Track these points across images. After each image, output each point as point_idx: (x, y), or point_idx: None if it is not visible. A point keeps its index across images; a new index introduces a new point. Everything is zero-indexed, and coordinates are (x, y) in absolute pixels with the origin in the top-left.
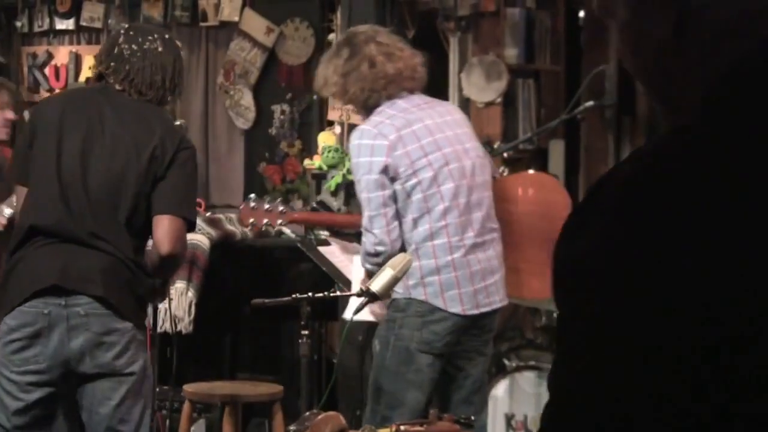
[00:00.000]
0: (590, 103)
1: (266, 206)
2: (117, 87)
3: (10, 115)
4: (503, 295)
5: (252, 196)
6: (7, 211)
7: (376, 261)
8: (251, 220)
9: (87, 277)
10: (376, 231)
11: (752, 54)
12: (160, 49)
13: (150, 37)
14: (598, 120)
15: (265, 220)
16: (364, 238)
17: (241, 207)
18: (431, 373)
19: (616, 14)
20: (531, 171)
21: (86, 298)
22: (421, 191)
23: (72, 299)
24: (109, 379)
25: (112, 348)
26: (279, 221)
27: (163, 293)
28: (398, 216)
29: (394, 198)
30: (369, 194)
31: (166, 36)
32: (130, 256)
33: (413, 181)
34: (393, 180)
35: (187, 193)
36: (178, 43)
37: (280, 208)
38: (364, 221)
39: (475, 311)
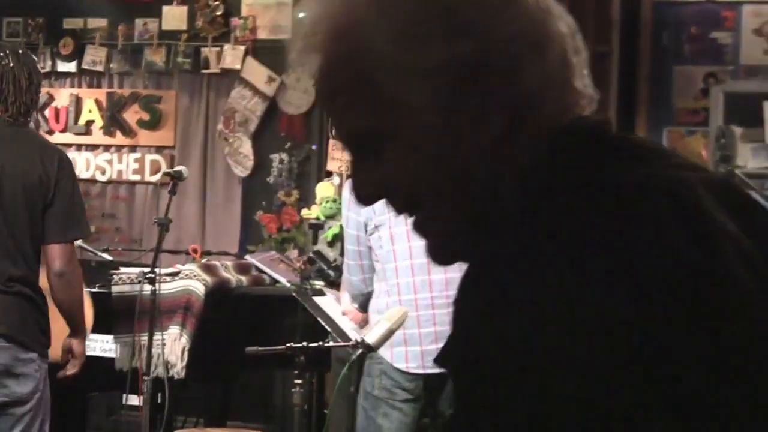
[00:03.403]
0: None
1: None
2: None
3: None
4: None
5: None
6: None
7: (357, 304)
8: None
9: None
10: (354, 278)
11: (570, 133)
12: (11, 64)
13: (1, 54)
14: None
15: None
16: (346, 284)
17: None
18: (402, 418)
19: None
20: None
21: None
22: (380, 247)
23: None
24: (13, 407)
25: (18, 377)
26: None
27: (76, 328)
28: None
29: (368, 251)
30: (347, 246)
31: (20, 51)
32: (32, 284)
33: (375, 235)
34: (369, 233)
35: (73, 213)
36: (34, 57)
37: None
38: (344, 268)
39: (420, 371)
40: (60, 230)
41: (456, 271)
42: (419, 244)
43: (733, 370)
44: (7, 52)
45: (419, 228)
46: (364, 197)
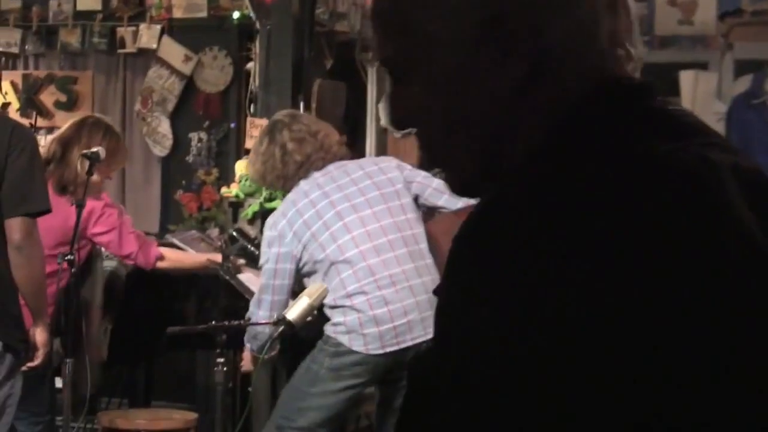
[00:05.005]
0: None
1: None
2: None
3: None
4: (418, 333)
5: None
6: None
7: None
8: None
9: None
10: (262, 313)
11: (592, 97)
12: None
13: None
14: None
15: None
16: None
17: None
18: (339, 401)
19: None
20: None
21: None
22: (321, 251)
23: None
24: None
25: None
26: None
27: (37, 312)
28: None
29: (284, 281)
30: (263, 275)
31: None
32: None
33: (312, 246)
34: (294, 256)
35: (29, 186)
36: None
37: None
38: (259, 285)
39: (380, 351)
40: (15, 204)
41: (403, 247)
42: (361, 232)
43: (734, 370)
44: None
45: (436, 161)
46: (395, 122)
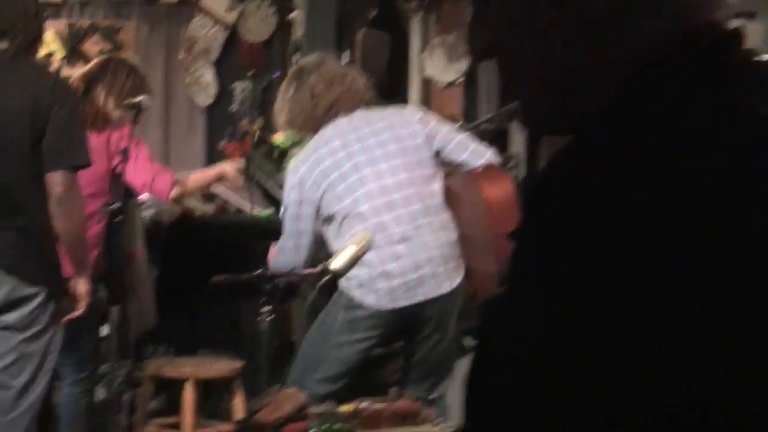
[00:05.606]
0: None
1: None
2: None
3: None
4: (430, 288)
5: None
6: None
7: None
8: None
9: None
10: (288, 244)
11: (690, 39)
12: None
13: None
14: None
15: None
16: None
17: None
18: (353, 353)
19: None
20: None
21: None
22: (337, 202)
23: None
24: (7, 337)
25: (18, 310)
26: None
27: (79, 264)
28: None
29: (307, 226)
30: (284, 220)
31: None
32: (35, 220)
33: (329, 195)
34: (314, 201)
35: (70, 140)
36: None
37: None
38: (280, 242)
39: (391, 306)
40: (56, 157)
41: (417, 203)
42: (373, 186)
43: None
44: None
45: (513, 94)
46: (475, 52)
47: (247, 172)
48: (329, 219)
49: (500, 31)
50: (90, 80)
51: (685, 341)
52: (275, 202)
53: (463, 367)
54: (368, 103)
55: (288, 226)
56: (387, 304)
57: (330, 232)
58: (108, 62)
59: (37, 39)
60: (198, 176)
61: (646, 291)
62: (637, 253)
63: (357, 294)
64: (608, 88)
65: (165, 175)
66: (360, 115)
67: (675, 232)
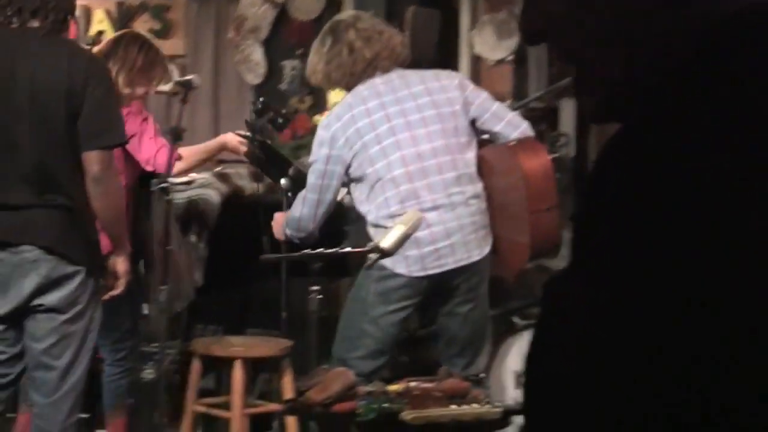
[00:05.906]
0: None
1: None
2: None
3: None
4: (461, 256)
5: None
6: None
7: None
8: None
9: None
10: (305, 211)
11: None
12: None
13: None
14: None
15: None
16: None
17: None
18: (389, 326)
19: None
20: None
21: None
22: (370, 165)
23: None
24: (49, 318)
25: (59, 290)
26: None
27: (117, 242)
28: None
29: (332, 183)
30: (311, 179)
31: None
32: (73, 198)
33: (361, 156)
34: (344, 160)
35: (106, 119)
36: None
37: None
38: (296, 201)
39: (422, 273)
40: (93, 136)
41: (452, 171)
42: (411, 151)
43: None
44: None
45: (576, 84)
46: (529, 34)
47: (250, 141)
48: (359, 179)
49: (556, 12)
50: (103, 57)
51: (685, 341)
52: (282, 167)
53: (510, 348)
54: (404, 62)
55: (313, 180)
56: (418, 271)
57: (359, 194)
58: (121, 38)
59: (68, 17)
60: (199, 148)
61: (646, 291)
62: (637, 253)
63: (389, 262)
64: (674, 60)
65: (165, 150)
66: (397, 76)
67: (675, 232)
